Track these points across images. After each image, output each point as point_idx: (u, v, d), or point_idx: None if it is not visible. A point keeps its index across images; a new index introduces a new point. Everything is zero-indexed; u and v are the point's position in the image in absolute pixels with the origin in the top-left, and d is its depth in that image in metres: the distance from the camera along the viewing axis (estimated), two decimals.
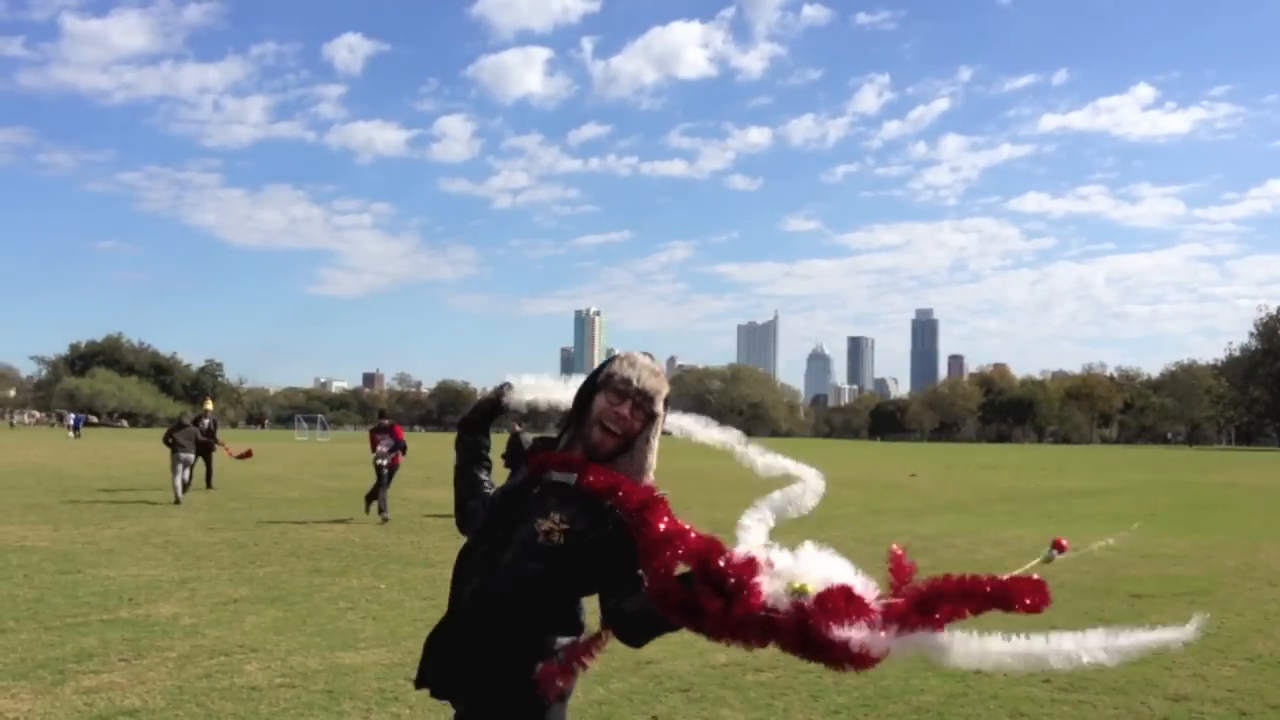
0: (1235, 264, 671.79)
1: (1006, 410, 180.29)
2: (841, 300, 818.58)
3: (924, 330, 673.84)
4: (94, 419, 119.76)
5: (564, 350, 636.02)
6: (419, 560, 12.42)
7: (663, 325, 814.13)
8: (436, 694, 2.62)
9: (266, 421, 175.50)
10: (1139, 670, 7.38)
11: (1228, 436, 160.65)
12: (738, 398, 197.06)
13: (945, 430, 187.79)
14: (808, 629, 2.18)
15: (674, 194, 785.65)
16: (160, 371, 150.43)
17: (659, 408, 2.67)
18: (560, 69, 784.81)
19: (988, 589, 2.27)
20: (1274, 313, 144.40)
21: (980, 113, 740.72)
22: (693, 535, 2.37)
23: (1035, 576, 2.32)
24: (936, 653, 2.19)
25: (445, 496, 17.90)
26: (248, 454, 23.59)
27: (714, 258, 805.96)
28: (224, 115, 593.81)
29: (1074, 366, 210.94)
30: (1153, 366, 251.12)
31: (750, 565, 2.25)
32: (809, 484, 2.80)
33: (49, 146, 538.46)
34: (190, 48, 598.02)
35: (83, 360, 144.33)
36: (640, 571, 2.41)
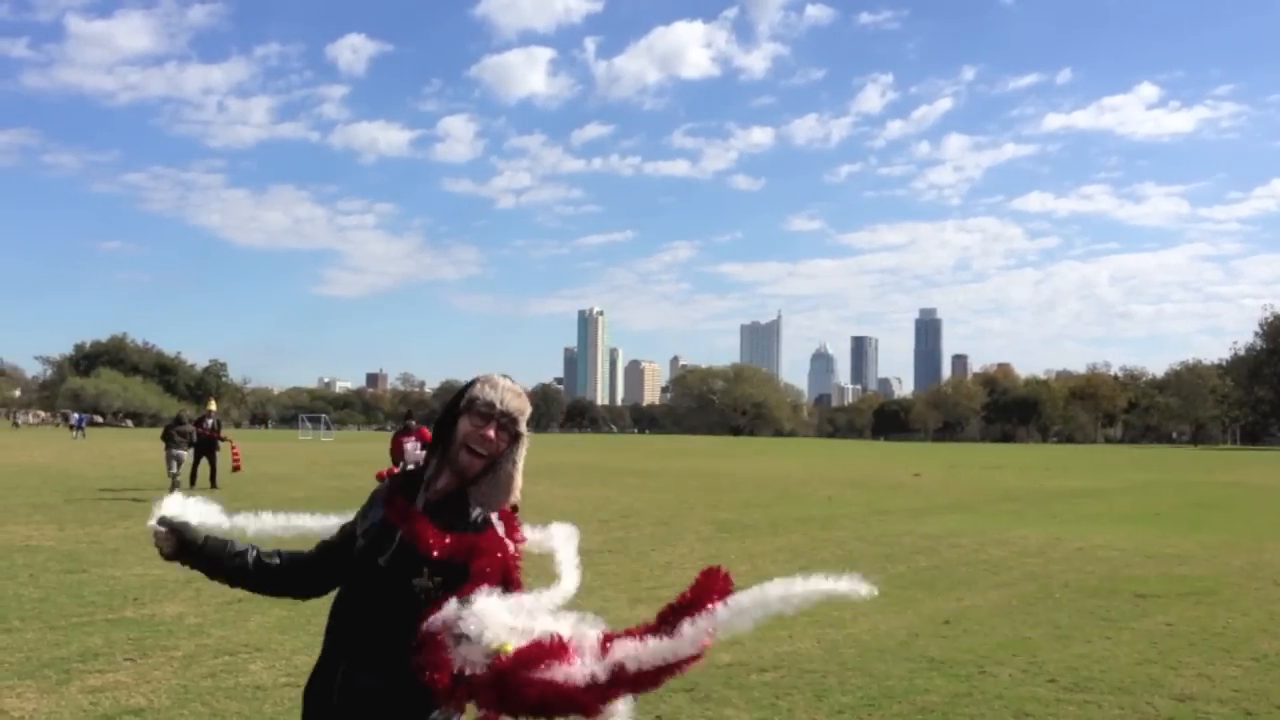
0: (1240, 263, 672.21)
1: (1010, 410, 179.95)
2: (845, 300, 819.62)
3: (927, 330, 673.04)
4: (99, 419, 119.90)
5: (567, 350, 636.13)
6: None
7: (666, 325, 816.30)
8: None
9: (270, 421, 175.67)
10: (1144, 670, 7.38)
11: (1233, 436, 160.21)
12: (741, 398, 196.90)
13: (949, 430, 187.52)
14: (504, 683, 2.24)
15: (677, 194, 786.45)
16: (164, 371, 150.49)
17: (523, 428, 2.73)
18: (563, 69, 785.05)
19: (676, 608, 2.34)
20: (1279, 312, 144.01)
21: (984, 112, 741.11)
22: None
23: (713, 568, 2.44)
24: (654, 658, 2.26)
25: None
26: (236, 467, 23.59)
27: (717, 257, 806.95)
28: (228, 116, 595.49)
29: (1078, 366, 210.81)
30: (1157, 366, 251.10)
31: (432, 640, 2.34)
32: (563, 583, 2.84)
33: (54, 147, 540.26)
34: (194, 49, 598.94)
35: (87, 360, 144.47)
36: None
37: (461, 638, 2.30)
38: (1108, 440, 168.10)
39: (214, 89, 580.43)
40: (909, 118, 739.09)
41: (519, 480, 2.74)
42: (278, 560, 2.82)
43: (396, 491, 2.72)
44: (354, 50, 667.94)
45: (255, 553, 2.82)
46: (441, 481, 2.67)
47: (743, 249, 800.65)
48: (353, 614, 2.63)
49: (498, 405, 2.66)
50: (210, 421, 23.22)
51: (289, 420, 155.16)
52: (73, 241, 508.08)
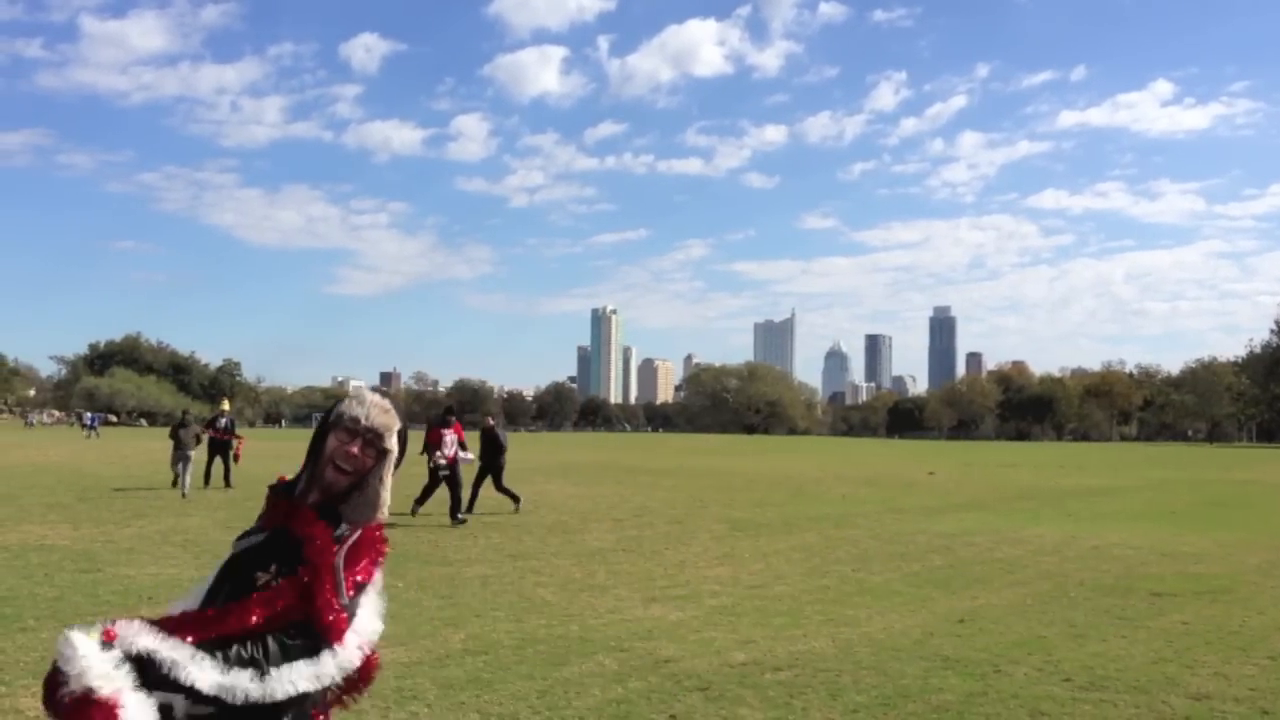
0: (1255, 260, 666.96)
1: (1025, 408, 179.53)
2: (859, 298, 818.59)
3: (942, 328, 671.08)
4: (113, 418, 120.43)
5: (580, 349, 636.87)
6: (436, 559, 12.45)
7: (680, 323, 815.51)
8: None
9: (284, 420, 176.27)
10: (1160, 669, 7.35)
11: (1249, 434, 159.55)
12: (755, 396, 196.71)
13: (963, 428, 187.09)
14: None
15: (690, 192, 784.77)
16: (179, 371, 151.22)
17: (391, 444, 2.68)
18: (576, 67, 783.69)
19: None
20: None
21: (998, 109, 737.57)
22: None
23: None
24: None
25: (461, 495, 17.95)
26: (236, 457, 23.71)
27: (731, 256, 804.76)
28: (241, 115, 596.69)
29: (1093, 364, 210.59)
30: (1173, 363, 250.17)
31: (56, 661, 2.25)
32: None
33: (68, 147, 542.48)
34: (208, 48, 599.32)
35: (102, 360, 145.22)
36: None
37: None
38: (1123, 438, 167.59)
39: (227, 88, 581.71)
40: (923, 115, 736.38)
41: (387, 497, 2.70)
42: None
43: (278, 499, 2.71)
44: (367, 49, 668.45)
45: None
46: (311, 498, 2.65)
47: (756, 247, 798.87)
48: (203, 605, 2.59)
49: (364, 420, 2.63)
50: (223, 422, 23.32)
51: (303, 419, 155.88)
52: (87, 241, 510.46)
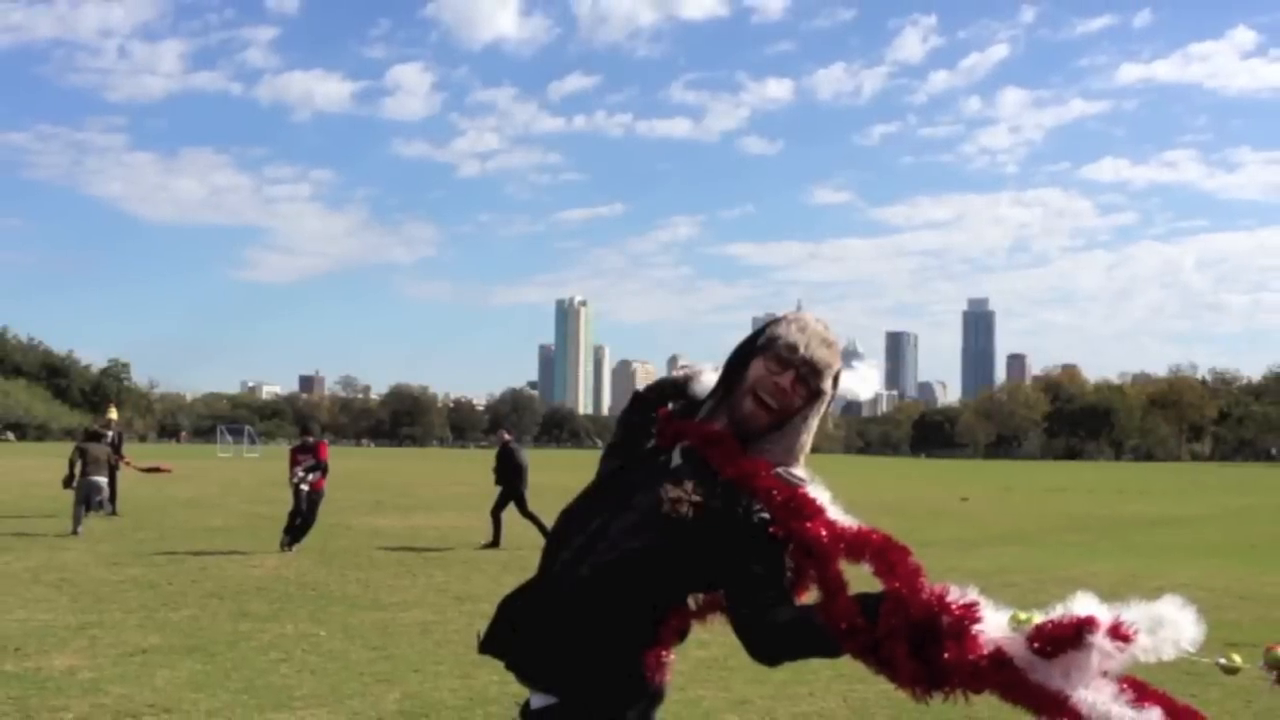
0: None
1: (1077, 421, 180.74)
2: (878, 288, 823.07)
3: (978, 324, 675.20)
4: None
5: (543, 348, 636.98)
6: (366, 602, 12.42)
7: (663, 317, 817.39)
8: (517, 671, 2.62)
9: (183, 434, 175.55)
10: None
11: None
12: None
13: (1003, 445, 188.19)
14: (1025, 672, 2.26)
15: (676, 159, 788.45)
16: (54, 374, 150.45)
17: (826, 385, 2.61)
18: (539, 7, 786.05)
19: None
20: None
21: (1046, 62, 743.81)
22: (875, 542, 2.41)
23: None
24: None
25: (398, 525, 17.92)
26: (156, 469, 23.45)
27: (724, 236, 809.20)
28: (131, 64, 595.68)
29: (1159, 368, 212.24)
30: (1254, 368, 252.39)
31: (972, 609, 2.35)
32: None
33: None
34: None
35: None
36: (790, 580, 2.48)
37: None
38: (1194, 457, 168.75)
39: (114, 30, 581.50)
40: (956, 68, 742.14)
41: (808, 445, 2.65)
42: None
43: (671, 421, 2.75)
44: None
45: None
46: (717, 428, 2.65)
47: (755, 226, 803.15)
48: (570, 530, 2.72)
49: (801, 350, 2.56)
50: (110, 435, 23.17)
51: (206, 433, 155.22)
52: None
